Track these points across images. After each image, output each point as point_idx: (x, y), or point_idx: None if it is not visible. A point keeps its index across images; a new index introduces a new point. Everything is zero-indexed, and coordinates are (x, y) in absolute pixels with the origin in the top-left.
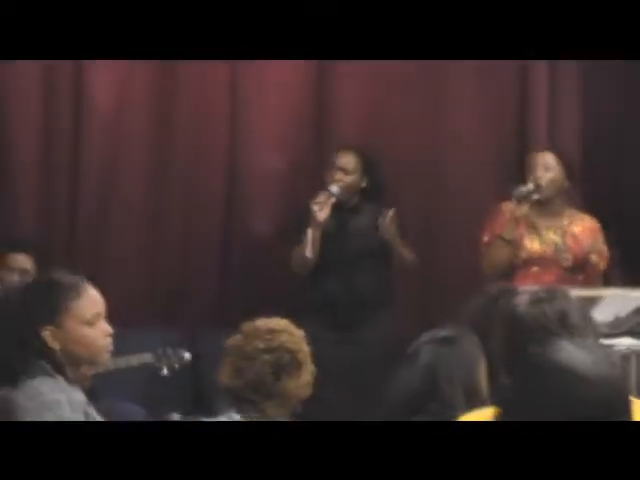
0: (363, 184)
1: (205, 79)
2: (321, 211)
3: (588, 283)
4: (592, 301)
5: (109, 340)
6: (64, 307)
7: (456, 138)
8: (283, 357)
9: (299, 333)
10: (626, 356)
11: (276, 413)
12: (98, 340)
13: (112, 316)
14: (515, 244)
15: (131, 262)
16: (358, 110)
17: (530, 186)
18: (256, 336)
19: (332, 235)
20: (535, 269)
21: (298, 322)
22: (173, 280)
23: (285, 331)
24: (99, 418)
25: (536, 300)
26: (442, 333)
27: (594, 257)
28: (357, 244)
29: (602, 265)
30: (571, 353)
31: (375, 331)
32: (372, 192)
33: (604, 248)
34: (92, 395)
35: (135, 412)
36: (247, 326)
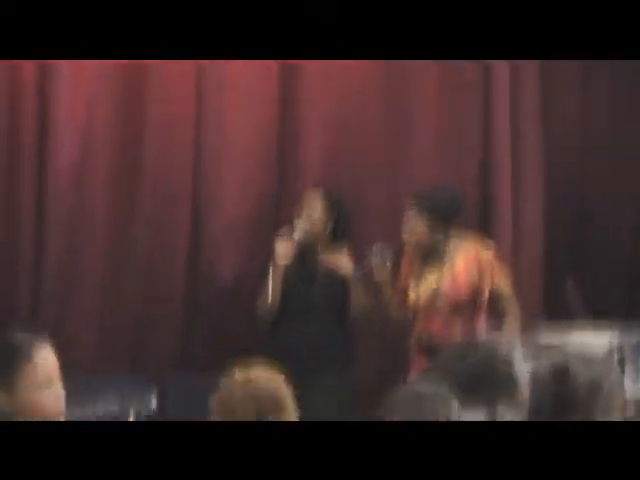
0: (329, 229)
1: (171, 117)
2: (282, 257)
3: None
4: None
5: (61, 405)
6: (15, 371)
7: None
8: (265, 403)
9: (278, 378)
10: None
11: None
12: (50, 405)
13: (80, 363)
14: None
15: (96, 307)
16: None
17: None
18: (236, 387)
19: (296, 284)
20: (426, 316)
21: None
22: (139, 325)
23: (264, 378)
24: None
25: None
26: (416, 388)
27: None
28: (322, 293)
29: (503, 290)
30: None
31: (333, 387)
32: (338, 237)
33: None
34: None
35: None
36: (226, 380)
